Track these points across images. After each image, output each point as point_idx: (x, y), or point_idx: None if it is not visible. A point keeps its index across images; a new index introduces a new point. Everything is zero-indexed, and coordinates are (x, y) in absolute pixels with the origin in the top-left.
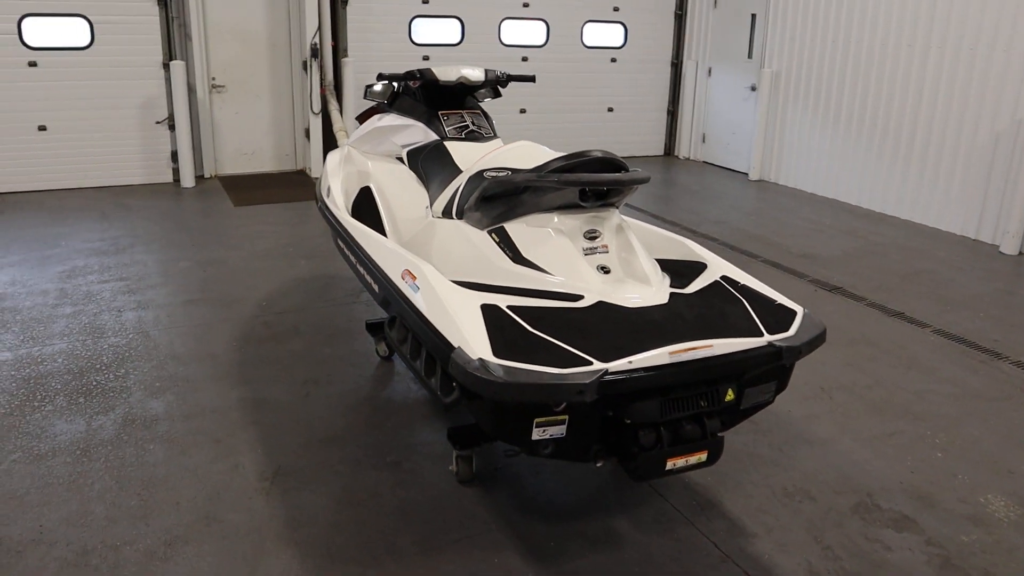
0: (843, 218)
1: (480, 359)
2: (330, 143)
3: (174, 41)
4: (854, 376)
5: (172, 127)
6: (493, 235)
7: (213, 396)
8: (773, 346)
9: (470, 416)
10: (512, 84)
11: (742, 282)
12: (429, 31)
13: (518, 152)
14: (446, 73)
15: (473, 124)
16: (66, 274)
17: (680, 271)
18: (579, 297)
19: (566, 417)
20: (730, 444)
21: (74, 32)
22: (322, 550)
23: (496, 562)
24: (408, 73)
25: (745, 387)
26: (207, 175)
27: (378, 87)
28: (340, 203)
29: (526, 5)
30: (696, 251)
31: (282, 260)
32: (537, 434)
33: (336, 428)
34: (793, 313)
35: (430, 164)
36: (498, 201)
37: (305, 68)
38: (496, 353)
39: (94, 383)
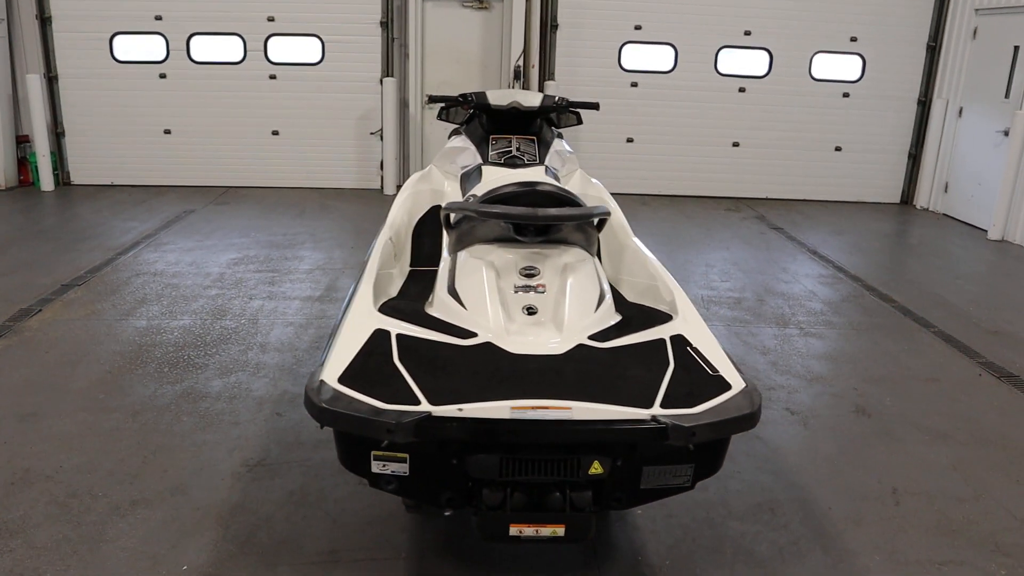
0: None
1: (321, 381)
2: None
3: (393, 60)
4: (951, 484)
5: (383, 138)
6: (450, 262)
7: (265, 384)
8: (657, 421)
9: None
10: (726, 116)
11: (693, 345)
12: (640, 57)
13: (509, 178)
14: (500, 98)
15: (518, 150)
16: (235, 261)
17: (636, 321)
18: (472, 335)
19: (406, 455)
20: (724, 528)
21: (308, 50)
22: (240, 539)
23: None
24: (462, 96)
25: (642, 464)
26: None
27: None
28: (388, 222)
29: (748, 33)
30: (677, 303)
31: None
32: (377, 467)
33: None
34: (725, 389)
35: (467, 187)
36: (457, 228)
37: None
38: (342, 378)
39: (185, 357)
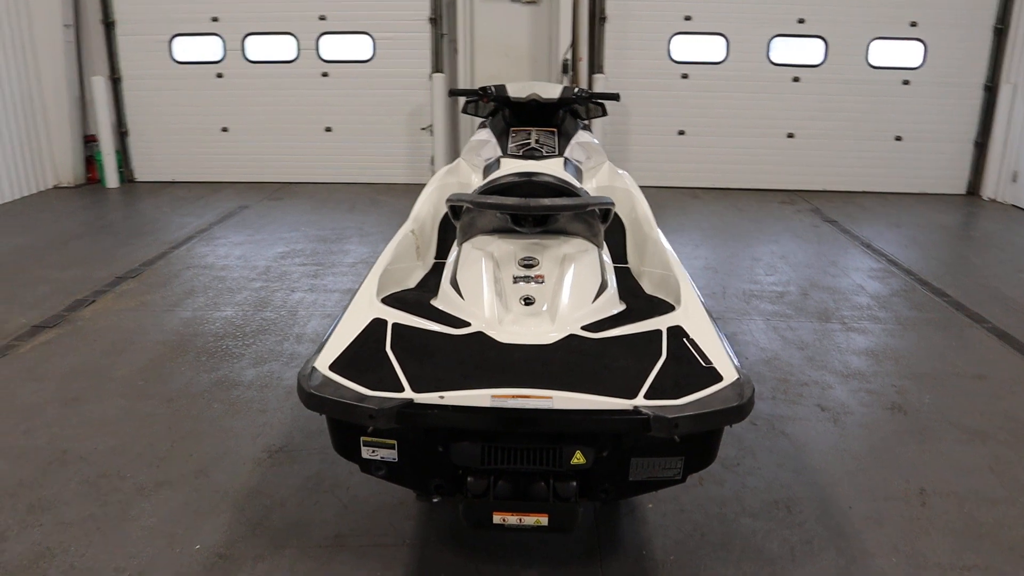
0: None
1: (313, 368)
2: None
3: (442, 55)
4: (985, 485)
5: (433, 133)
6: (455, 254)
7: (296, 374)
8: (639, 412)
9: None
10: (779, 106)
11: (690, 337)
12: (690, 49)
13: (515, 170)
14: (518, 90)
15: (536, 142)
16: (282, 255)
17: (637, 312)
18: (465, 324)
19: (394, 442)
20: (735, 524)
21: (359, 47)
22: (253, 522)
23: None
24: (482, 89)
25: (630, 456)
26: None
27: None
28: (412, 214)
29: (801, 21)
30: (681, 294)
31: None
32: (367, 453)
33: None
34: (715, 380)
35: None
36: (462, 219)
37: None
38: (333, 365)
39: (224, 347)
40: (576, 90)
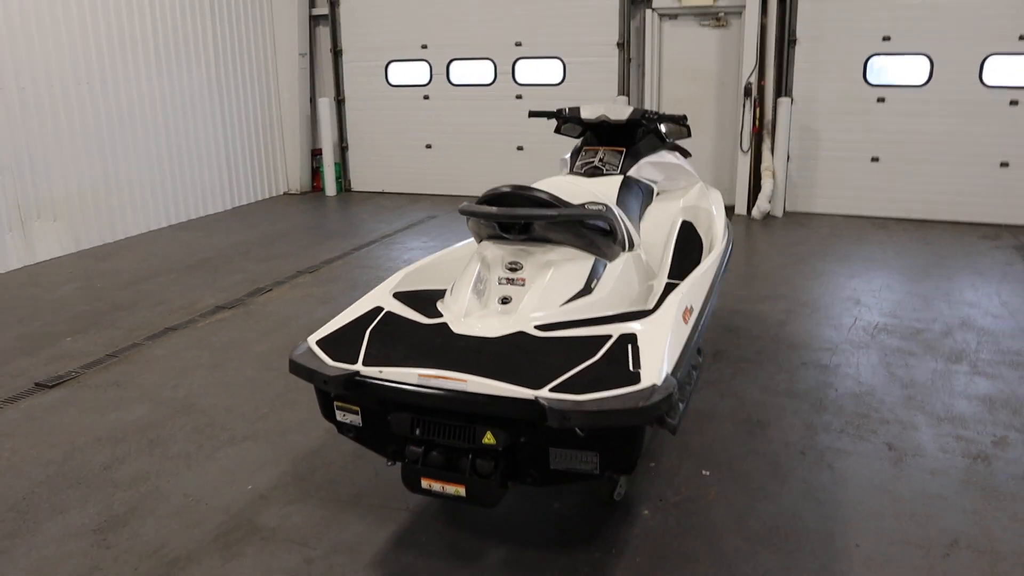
0: None
1: (305, 341)
2: (756, 180)
3: (629, 79)
4: None
5: None
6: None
7: None
8: (537, 402)
9: None
10: (992, 133)
11: (637, 345)
12: (889, 70)
13: (555, 185)
14: (590, 111)
15: (600, 161)
16: None
17: (610, 319)
18: (437, 316)
19: (358, 408)
20: (721, 541)
21: (551, 71)
22: (298, 475)
23: (369, 532)
24: (558, 110)
25: (548, 445)
26: None
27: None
28: None
29: (1023, 38)
30: (662, 307)
31: None
32: (339, 416)
33: None
34: (630, 383)
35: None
36: (469, 225)
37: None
38: (320, 341)
39: None
40: (645, 112)
